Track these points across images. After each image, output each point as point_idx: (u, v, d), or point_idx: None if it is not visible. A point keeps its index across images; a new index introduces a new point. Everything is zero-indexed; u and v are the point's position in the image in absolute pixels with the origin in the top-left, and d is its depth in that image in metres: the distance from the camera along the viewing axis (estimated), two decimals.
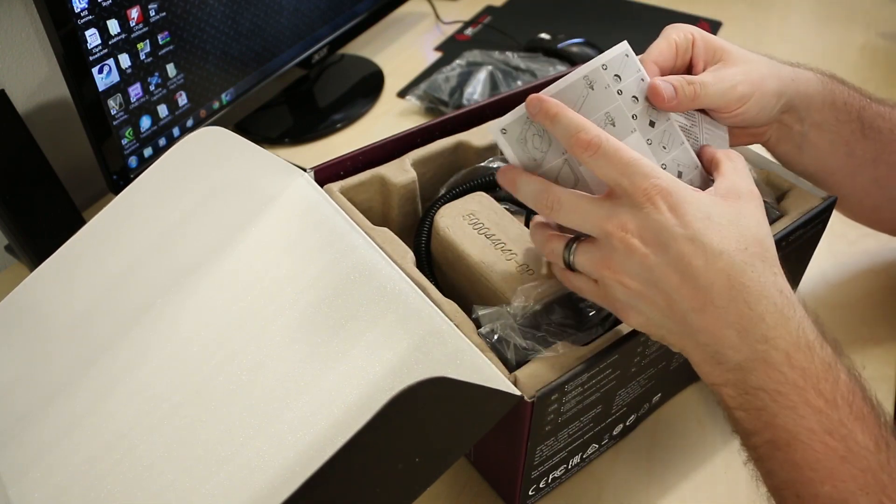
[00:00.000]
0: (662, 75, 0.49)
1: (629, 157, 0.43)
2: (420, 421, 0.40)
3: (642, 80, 0.47)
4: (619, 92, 0.46)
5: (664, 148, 0.47)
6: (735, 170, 0.46)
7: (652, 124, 0.47)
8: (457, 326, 0.48)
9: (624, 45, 0.47)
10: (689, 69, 0.52)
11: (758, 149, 0.61)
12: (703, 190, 0.44)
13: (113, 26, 0.66)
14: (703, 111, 0.51)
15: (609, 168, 0.43)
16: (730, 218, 0.42)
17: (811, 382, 0.40)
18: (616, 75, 0.46)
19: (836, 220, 0.59)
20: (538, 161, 0.46)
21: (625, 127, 0.46)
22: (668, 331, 0.43)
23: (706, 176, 0.49)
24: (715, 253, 0.41)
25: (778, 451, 0.40)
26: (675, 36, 0.51)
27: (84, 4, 0.63)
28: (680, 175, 0.47)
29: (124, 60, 0.69)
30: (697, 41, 0.51)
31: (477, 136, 0.64)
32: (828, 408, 0.39)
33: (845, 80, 0.57)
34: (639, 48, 0.49)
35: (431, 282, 0.52)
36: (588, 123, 0.43)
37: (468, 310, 0.49)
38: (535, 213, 0.62)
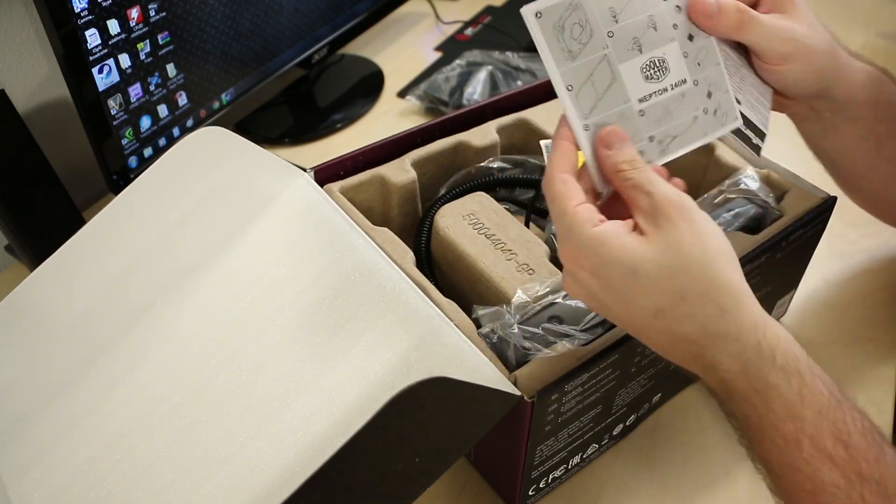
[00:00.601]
0: None
1: (556, 209, 0.41)
2: (420, 421, 0.40)
3: None
4: None
5: (699, 65, 0.46)
6: (650, 181, 0.40)
7: (691, 38, 0.46)
8: (457, 326, 0.48)
9: None
10: (754, 5, 0.48)
11: None
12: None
13: (113, 26, 0.66)
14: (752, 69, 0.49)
15: (550, 213, 0.42)
16: (659, 263, 0.38)
17: (770, 422, 0.39)
18: None
19: (836, 220, 0.59)
20: (573, 53, 0.43)
21: (665, 34, 0.45)
22: None
23: (734, 104, 0.47)
24: (649, 313, 0.39)
25: (766, 472, 0.42)
26: None
27: (84, 4, 0.63)
28: (709, 95, 0.46)
29: (124, 60, 0.69)
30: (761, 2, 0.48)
31: (477, 136, 0.64)
32: (789, 447, 0.39)
33: (893, 75, 0.55)
34: None
35: (431, 282, 0.52)
36: (562, 161, 0.42)
37: (468, 310, 0.49)
38: (535, 214, 0.62)
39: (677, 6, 0.45)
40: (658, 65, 0.44)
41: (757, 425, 0.40)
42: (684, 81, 0.45)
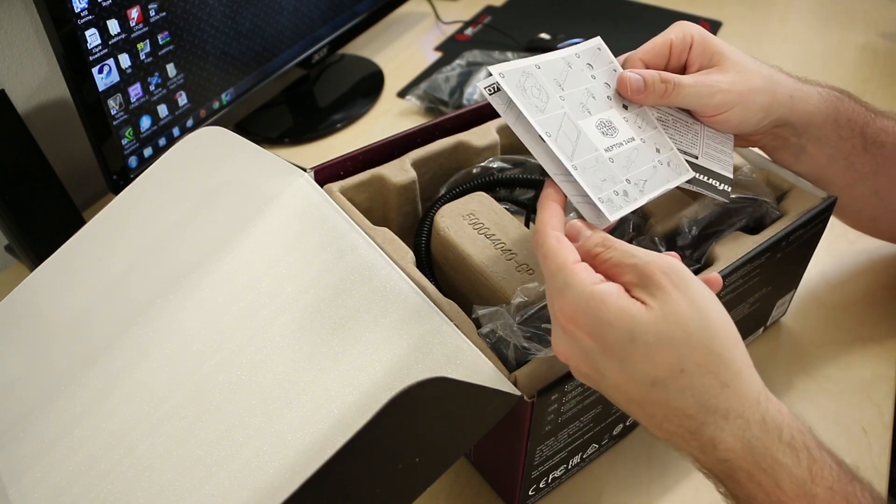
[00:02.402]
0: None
1: (551, 266, 0.40)
2: (420, 421, 0.40)
3: (615, 70, 0.51)
4: (594, 77, 0.50)
5: (639, 128, 0.50)
6: (629, 255, 0.40)
7: (625, 107, 0.50)
8: (457, 326, 0.48)
9: (597, 40, 0.52)
10: (683, 69, 0.52)
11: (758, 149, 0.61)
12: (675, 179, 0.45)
13: (113, 26, 0.66)
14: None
15: (543, 271, 0.41)
16: (657, 332, 0.37)
17: (779, 502, 0.37)
18: (588, 63, 0.51)
19: (837, 220, 0.59)
20: (540, 108, 0.47)
21: (603, 103, 0.50)
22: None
23: (682, 159, 0.50)
24: (646, 382, 0.37)
25: None
26: (673, 35, 0.51)
27: (84, 4, 0.63)
28: (658, 151, 0.50)
29: (124, 60, 0.69)
30: (696, 42, 0.51)
31: (477, 136, 0.64)
32: None
33: (853, 96, 0.57)
34: (637, 47, 0.52)
35: (431, 282, 0.52)
36: (552, 219, 0.42)
37: (468, 310, 0.49)
38: (535, 214, 0.62)
39: (606, 83, 0.50)
40: (607, 124, 0.49)
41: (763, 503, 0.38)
42: (633, 139, 0.49)
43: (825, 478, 0.38)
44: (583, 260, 0.41)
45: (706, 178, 0.51)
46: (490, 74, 0.46)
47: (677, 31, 0.51)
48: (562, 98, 0.48)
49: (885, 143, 0.56)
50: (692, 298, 0.37)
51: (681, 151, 0.50)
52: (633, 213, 0.57)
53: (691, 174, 0.50)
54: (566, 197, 0.45)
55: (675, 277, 0.38)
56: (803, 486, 0.37)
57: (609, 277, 0.40)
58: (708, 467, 0.40)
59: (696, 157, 0.51)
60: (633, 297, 0.38)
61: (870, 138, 0.56)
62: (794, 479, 0.37)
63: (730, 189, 0.51)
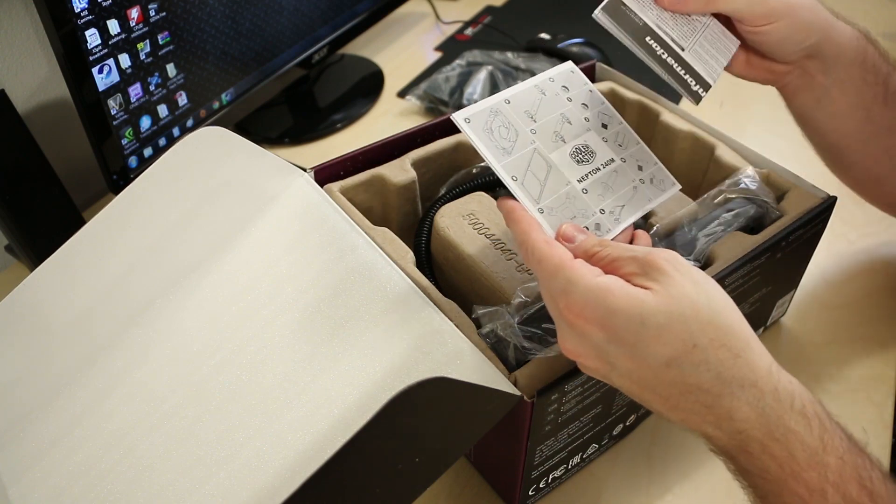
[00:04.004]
0: None
1: (548, 269, 0.40)
2: (420, 421, 0.40)
3: (590, 91, 0.52)
4: (569, 99, 0.50)
5: (620, 146, 0.50)
6: (625, 250, 0.41)
7: (605, 126, 0.51)
8: (457, 326, 0.48)
9: (569, 64, 0.53)
10: None
11: (758, 148, 0.61)
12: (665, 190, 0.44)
13: (113, 26, 0.66)
14: (722, 22, 0.51)
15: (539, 281, 0.42)
16: (667, 312, 0.37)
17: (792, 472, 0.37)
18: (564, 86, 0.51)
19: (836, 220, 0.59)
20: (507, 149, 0.47)
21: (580, 126, 0.50)
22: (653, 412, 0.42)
23: (667, 172, 0.51)
24: (660, 364, 0.38)
25: None
26: None
27: (84, 4, 0.63)
28: (640, 168, 0.50)
29: (124, 60, 0.69)
30: None
31: None
32: (814, 497, 0.37)
33: (877, 42, 0.55)
34: None
35: (431, 282, 0.52)
36: (533, 229, 0.43)
37: (468, 310, 0.49)
38: None
39: (583, 104, 0.51)
40: (583, 150, 0.49)
41: (777, 477, 0.38)
42: (612, 161, 0.49)
43: (836, 447, 0.38)
44: (581, 259, 0.41)
45: (683, 72, 0.49)
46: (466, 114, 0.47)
47: None
48: (533, 132, 0.48)
49: None
50: (695, 280, 0.38)
51: (670, 40, 0.49)
52: None
53: (678, 187, 0.51)
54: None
55: (675, 263, 0.39)
56: (815, 454, 0.37)
57: (608, 272, 0.40)
58: (722, 443, 0.39)
59: (682, 50, 0.50)
60: (636, 285, 0.39)
61: (891, 90, 0.54)
62: (806, 448, 0.37)
63: (703, 93, 0.50)
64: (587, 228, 0.45)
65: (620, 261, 0.40)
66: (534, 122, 0.48)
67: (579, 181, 0.47)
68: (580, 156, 0.48)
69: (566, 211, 0.46)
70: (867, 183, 0.63)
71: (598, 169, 0.49)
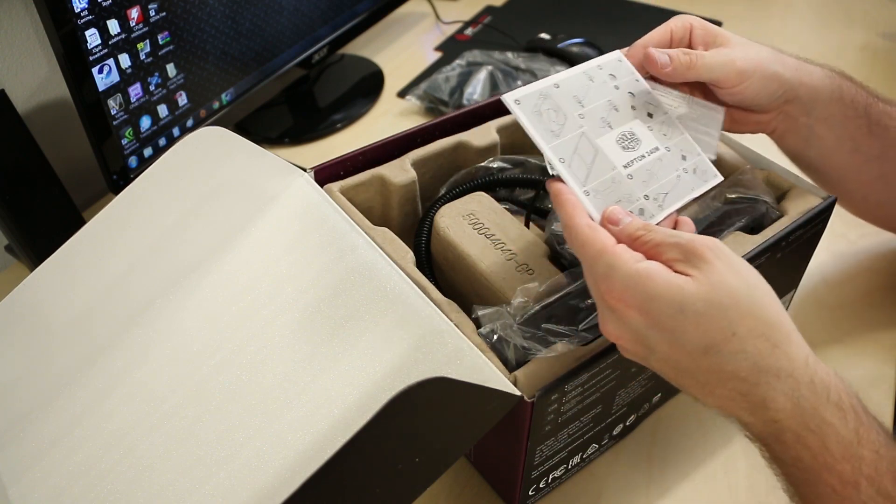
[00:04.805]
0: None
1: (590, 252, 0.41)
2: (420, 421, 0.40)
3: (637, 80, 0.52)
4: (616, 87, 0.51)
5: (665, 135, 0.51)
6: (669, 235, 0.41)
7: (650, 115, 0.51)
8: (457, 326, 0.48)
9: (617, 53, 0.53)
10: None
11: (757, 148, 0.61)
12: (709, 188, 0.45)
13: (113, 26, 0.66)
14: (698, 90, 0.54)
15: (582, 264, 0.43)
16: (707, 300, 0.38)
17: (825, 463, 0.38)
18: (611, 74, 0.51)
19: (836, 220, 0.59)
20: (556, 132, 0.47)
21: (626, 114, 0.50)
22: (689, 396, 0.43)
23: (710, 164, 0.51)
24: (698, 351, 0.38)
25: None
26: (672, 24, 0.52)
27: (84, 4, 0.63)
28: (684, 158, 0.50)
29: (124, 60, 0.69)
30: (696, 28, 0.52)
31: (477, 136, 0.64)
32: (847, 489, 0.37)
33: (852, 77, 0.57)
34: None
35: (431, 282, 0.52)
36: (578, 212, 0.43)
37: (468, 310, 0.49)
38: (535, 214, 0.62)
39: (630, 93, 0.51)
40: (629, 137, 0.49)
41: (810, 467, 0.38)
42: (657, 149, 0.50)
43: (872, 441, 0.38)
44: (625, 242, 0.42)
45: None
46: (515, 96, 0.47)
47: (675, 21, 0.53)
48: (581, 116, 0.48)
49: (889, 127, 0.57)
50: (736, 269, 0.39)
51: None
52: None
53: (719, 178, 0.51)
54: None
55: (717, 251, 0.39)
56: (850, 447, 0.38)
57: (650, 257, 0.40)
58: (756, 430, 0.40)
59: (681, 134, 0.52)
60: (676, 272, 0.39)
61: (874, 120, 0.56)
62: (840, 441, 0.38)
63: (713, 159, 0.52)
64: (630, 214, 0.45)
65: (664, 246, 0.40)
66: (582, 107, 0.49)
67: (625, 167, 0.48)
68: (626, 142, 0.49)
69: (611, 195, 0.46)
70: (869, 210, 0.64)
71: (644, 156, 0.49)
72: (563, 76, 0.50)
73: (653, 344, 0.40)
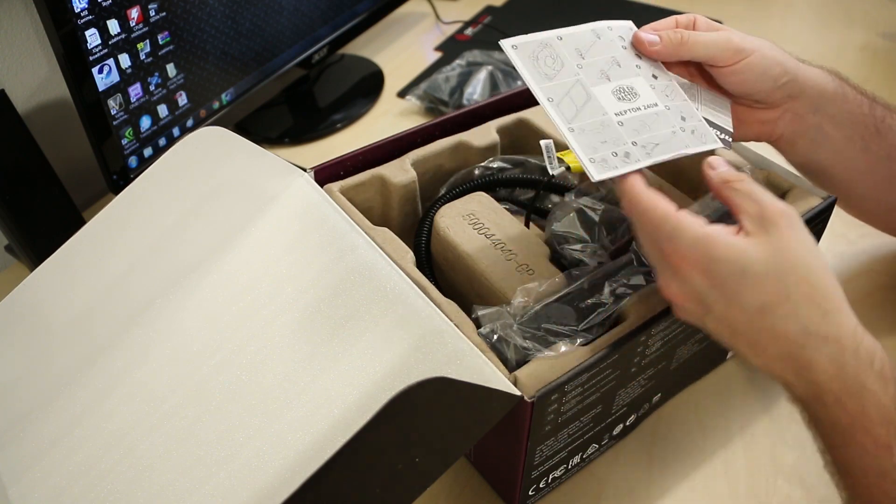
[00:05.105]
0: None
1: (654, 217, 0.43)
2: (420, 421, 0.40)
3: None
4: (624, 47, 0.51)
5: (667, 96, 0.50)
6: (758, 191, 0.43)
7: (655, 77, 0.51)
8: (457, 326, 0.48)
9: (629, 22, 0.53)
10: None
11: (757, 147, 0.61)
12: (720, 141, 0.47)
13: (113, 26, 0.66)
14: (705, 81, 0.53)
15: (642, 229, 0.44)
16: (768, 263, 0.40)
17: (862, 426, 0.39)
18: (620, 36, 0.52)
19: (836, 220, 0.59)
20: (549, 76, 0.48)
21: (629, 70, 0.50)
22: (738, 356, 0.45)
23: (711, 131, 0.51)
24: (754, 310, 0.41)
25: (839, 475, 0.42)
26: (677, 17, 0.53)
27: (84, 4, 0.63)
28: (683, 119, 0.50)
29: (124, 60, 0.69)
30: (699, 20, 0.52)
31: (477, 136, 0.64)
32: (880, 451, 0.39)
33: (849, 78, 0.57)
34: None
35: (431, 282, 0.52)
36: (634, 188, 0.44)
37: (468, 310, 0.49)
38: (535, 214, 0.62)
39: (637, 55, 0.51)
40: (627, 90, 0.49)
41: (847, 429, 0.40)
42: (656, 105, 0.49)
43: None
44: (717, 185, 0.44)
45: (712, 128, 0.51)
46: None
47: (680, 16, 0.53)
48: (579, 66, 0.48)
49: (894, 127, 0.56)
50: (801, 239, 0.41)
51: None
52: None
53: (718, 145, 0.50)
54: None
55: (790, 220, 0.41)
56: (888, 413, 0.39)
57: (732, 205, 0.43)
58: (799, 392, 0.42)
59: (696, 108, 0.51)
60: (740, 228, 0.42)
61: (879, 119, 0.56)
62: (880, 407, 0.39)
63: (731, 140, 0.52)
64: (615, 155, 0.46)
65: (747, 198, 0.42)
66: (582, 59, 0.49)
67: (617, 115, 0.48)
68: (623, 94, 0.49)
69: (597, 135, 0.46)
70: (880, 214, 0.64)
71: (639, 109, 0.48)
72: (570, 30, 0.50)
73: (711, 303, 0.42)
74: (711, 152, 0.49)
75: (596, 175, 0.45)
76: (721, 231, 0.41)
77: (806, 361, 0.40)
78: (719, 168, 0.45)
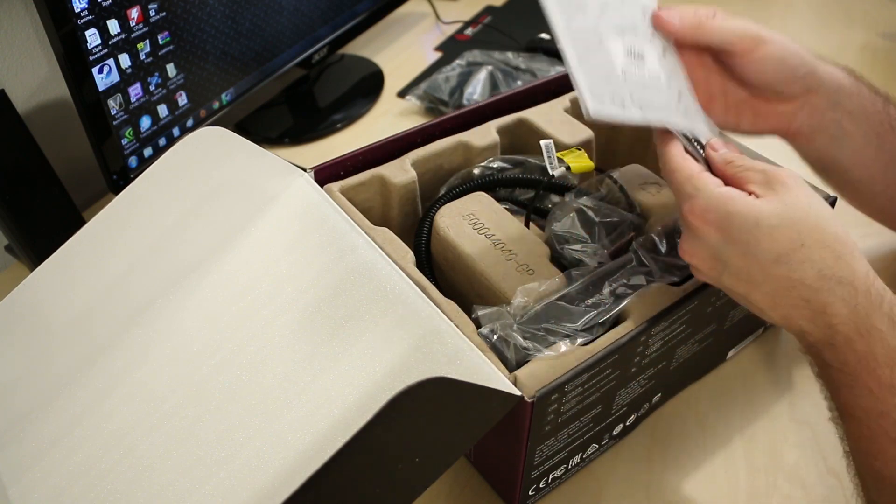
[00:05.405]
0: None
1: (679, 178, 0.45)
2: (420, 421, 0.40)
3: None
4: (643, 19, 0.51)
5: (670, 75, 0.51)
6: (759, 162, 0.46)
7: (664, 55, 0.51)
8: (457, 326, 0.48)
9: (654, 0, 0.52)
10: None
11: (758, 147, 0.61)
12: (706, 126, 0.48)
13: (113, 26, 0.66)
14: (721, 73, 0.53)
15: (670, 186, 0.47)
16: (780, 215, 0.42)
17: (868, 366, 0.41)
18: (643, 8, 0.51)
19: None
20: (571, 15, 0.47)
21: (643, 38, 0.50)
22: (754, 311, 0.46)
23: (703, 116, 0.52)
24: (770, 260, 0.42)
25: (842, 421, 0.44)
26: (698, 7, 0.52)
27: (84, 4, 0.63)
28: (679, 98, 0.51)
29: (124, 60, 0.69)
30: (720, 12, 0.51)
31: (477, 136, 0.64)
32: (882, 391, 0.40)
33: (863, 75, 0.56)
34: None
35: (431, 282, 0.52)
36: (670, 148, 0.47)
37: (468, 310, 0.49)
38: (535, 214, 0.62)
39: (653, 31, 0.51)
40: (637, 54, 0.49)
41: (853, 371, 0.41)
42: (659, 77, 0.50)
43: None
44: (717, 165, 0.47)
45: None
46: None
47: (701, 7, 0.52)
48: (599, 17, 0.48)
49: None
50: (809, 193, 0.43)
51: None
52: (633, 212, 0.57)
53: (706, 130, 0.50)
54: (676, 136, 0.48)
55: (796, 179, 0.44)
56: (893, 354, 0.41)
57: (737, 180, 0.45)
58: (813, 338, 0.43)
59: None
60: (755, 195, 0.43)
61: (892, 118, 0.56)
62: (886, 347, 0.41)
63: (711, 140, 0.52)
64: (612, 100, 0.46)
65: (752, 170, 0.45)
66: (604, 13, 0.49)
67: (622, 70, 0.48)
68: (632, 55, 0.49)
69: (601, 77, 0.46)
70: (894, 213, 0.63)
71: (644, 74, 0.49)
72: None
73: (727, 258, 0.43)
74: (697, 145, 0.49)
75: (592, 107, 0.44)
76: (736, 191, 0.43)
77: (821, 304, 0.42)
78: (720, 150, 0.48)
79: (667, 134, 0.48)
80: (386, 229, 0.55)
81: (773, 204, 0.42)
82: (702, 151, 0.48)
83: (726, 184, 0.45)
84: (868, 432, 0.42)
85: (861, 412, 0.42)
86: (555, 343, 0.47)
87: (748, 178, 0.45)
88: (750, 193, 0.43)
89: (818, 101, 0.53)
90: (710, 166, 0.48)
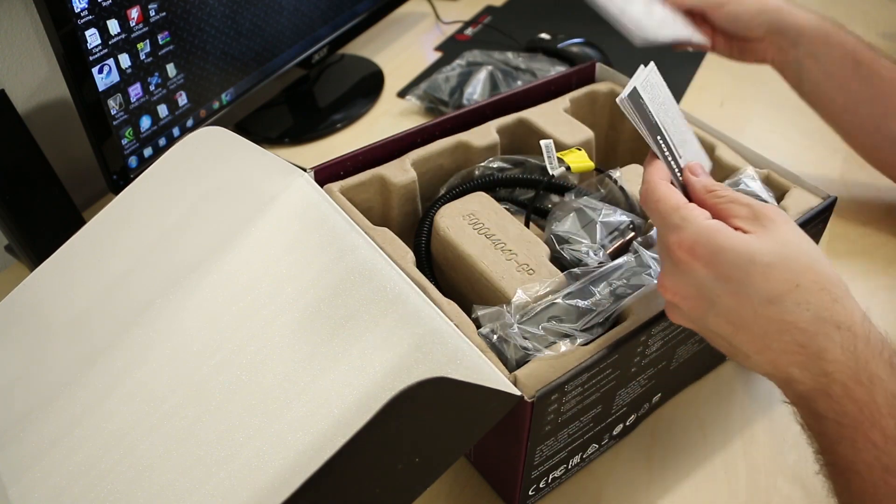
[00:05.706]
0: None
1: (665, 207, 0.43)
2: (420, 421, 0.40)
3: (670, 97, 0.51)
4: (670, 96, 0.51)
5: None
6: (743, 196, 0.44)
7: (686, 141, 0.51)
8: (457, 326, 0.48)
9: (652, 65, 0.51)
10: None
11: (758, 148, 0.61)
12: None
13: (113, 26, 0.66)
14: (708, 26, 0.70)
15: (652, 217, 0.44)
16: (774, 253, 0.40)
17: (871, 417, 0.38)
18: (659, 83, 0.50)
19: (836, 220, 0.59)
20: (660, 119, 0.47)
21: (683, 132, 0.50)
22: (735, 357, 0.43)
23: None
24: (762, 301, 0.39)
25: (839, 476, 0.40)
26: None
27: (84, 4, 0.63)
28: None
29: (124, 60, 0.69)
30: None
31: (477, 136, 0.64)
32: (887, 444, 0.38)
33: (844, 26, 0.66)
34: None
35: (431, 282, 0.52)
36: (658, 172, 0.45)
37: (468, 310, 0.49)
38: (535, 214, 0.62)
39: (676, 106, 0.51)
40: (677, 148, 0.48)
41: (855, 422, 0.39)
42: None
43: None
44: (697, 193, 0.45)
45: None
46: None
47: None
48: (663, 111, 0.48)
49: (884, 76, 0.65)
50: (798, 232, 0.41)
51: (673, 147, 0.50)
52: (633, 212, 0.57)
53: (694, 143, 0.52)
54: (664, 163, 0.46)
55: (783, 216, 0.42)
56: None
57: (720, 212, 0.43)
58: (804, 387, 0.40)
59: (681, 158, 0.50)
60: (742, 230, 0.41)
61: (864, 64, 0.65)
62: (888, 396, 0.38)
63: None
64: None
65: (737, 203, 0.43)
66: (664, 111, 0.49)
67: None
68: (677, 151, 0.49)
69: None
70: (866, 150, 0.72)
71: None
72: (644, 75, 0.48)
73: (715, 297, 0.40)
74: (675, 168, 0.49)
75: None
76: (724, 225, 0.41)
77: (817, 350, 0.39)
78: (701, 176, 0.46)
79: (653, 158, 0.46)
80: (386, 229, 0.55)
81: (765, 241, 0.40)
82: (680, 176, 0.46)
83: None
84: (872, 489, 0.38)
85: (863, 466, 0.39)
86: (555, 343, 0.47)
87: (732, 211, 0.42)
88: (736, 228, 0.41)
89: (780, 40, 0.68)
90: (685, 190, 0.46)
